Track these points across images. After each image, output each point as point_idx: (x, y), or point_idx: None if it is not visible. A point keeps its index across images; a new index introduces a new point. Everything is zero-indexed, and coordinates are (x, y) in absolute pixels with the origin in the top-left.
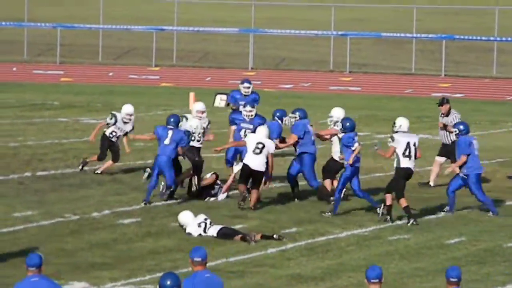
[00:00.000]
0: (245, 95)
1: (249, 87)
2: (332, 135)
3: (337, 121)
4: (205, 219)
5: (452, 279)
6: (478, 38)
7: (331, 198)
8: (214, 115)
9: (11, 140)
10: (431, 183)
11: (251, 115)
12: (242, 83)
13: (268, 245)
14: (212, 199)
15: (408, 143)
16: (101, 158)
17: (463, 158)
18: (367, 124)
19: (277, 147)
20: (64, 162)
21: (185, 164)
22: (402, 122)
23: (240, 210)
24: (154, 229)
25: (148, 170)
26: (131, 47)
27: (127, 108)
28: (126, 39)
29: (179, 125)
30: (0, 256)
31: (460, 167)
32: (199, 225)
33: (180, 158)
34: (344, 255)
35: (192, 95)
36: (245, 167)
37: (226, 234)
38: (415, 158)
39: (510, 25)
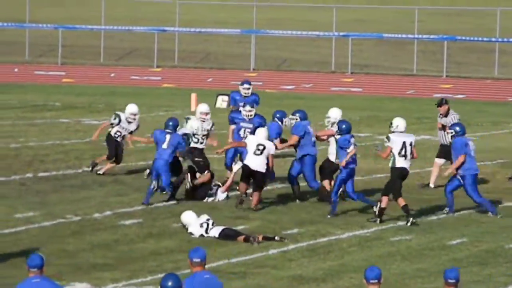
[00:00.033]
0: (245, 96)
1: (249, 88)
2: (329, 136)
3: (334, 122)
4: (208, 220)
5: (450, 280)
6: (480, 39)
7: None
8: (216, 116)
9: (13, 141)
10: (431, 185)
11: (251, 115)
12: (242, 84)
13: (269, 246)
14: (210, 199)
15: (404, 143)
16: (110, 157)
17: (460, 159)
18: (369, 125)
19: (276, 148)
20: (65, 163)
21: (186, 164)
22: (399, 123)
23: (242, 211)
24: (156, 230)
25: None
26: (133, 48)
27: (131, 108)
28: (128, 40)
29: (177, 129)
30: (1, 257)
31: (459, 168)
32: (201, 226)
33: (181, 158)
34: (346, 256)
35: (193, 96)
36: (245, 167)
37: (228, 235)
38: (412, 158)
39: None
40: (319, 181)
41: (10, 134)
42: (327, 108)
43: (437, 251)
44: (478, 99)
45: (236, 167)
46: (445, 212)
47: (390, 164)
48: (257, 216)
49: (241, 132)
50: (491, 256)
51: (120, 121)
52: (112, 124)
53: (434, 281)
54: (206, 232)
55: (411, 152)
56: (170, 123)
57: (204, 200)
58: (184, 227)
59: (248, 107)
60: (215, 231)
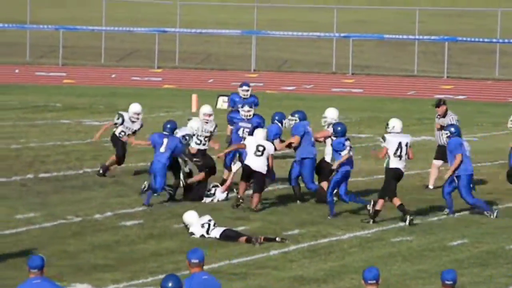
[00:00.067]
0: (244, 98)
1: (248, 90)
2: (326, 137)
3: (331, 122)
4: (210, 221)
5: (447, 282)
6: (481, 40)
7: None
8: (217, 117)
9: (13, 142)
10: (430, 186)
11: (249, 115)
12: (241, 86)
13: (270, 247)
14: (209, 199)
15: (399, 143)
16: (119, 156)
17: (458, 158)
18: (369, 126)
19: (275, 149)
20: (66, 164)
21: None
22: (395, 123)
23: (242, 212)
24: (157, 231)
25: (146, 183)
26: (134, 49)
27: (135, 107)
28: (129, 41)
29: (174, 132)
30: (2, 258)
31: (457, 168)
32: (202, 226)
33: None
34: (347, 257)
35: (194, 97)
36: (246, 167)
37: (229, 236)
38: (408, 158)
39: None
40: (317, 183)
41: (11, 135)
42: None
43: (437, 252)
44: (479, 100)
45: (236, 167)
46: (446, 213)
47: (384, 165)
48: (258, 217)
49: (240, 132)
50: (491, 257)
51: (123, 121)
52: (115, 124)
53: (434, 282)
54: (207, 233)
55: (407, 153)
56: (168, 126)
57: (203, 201)
58: (186, 227)
59: (246, 107)
60: (216, 232)
